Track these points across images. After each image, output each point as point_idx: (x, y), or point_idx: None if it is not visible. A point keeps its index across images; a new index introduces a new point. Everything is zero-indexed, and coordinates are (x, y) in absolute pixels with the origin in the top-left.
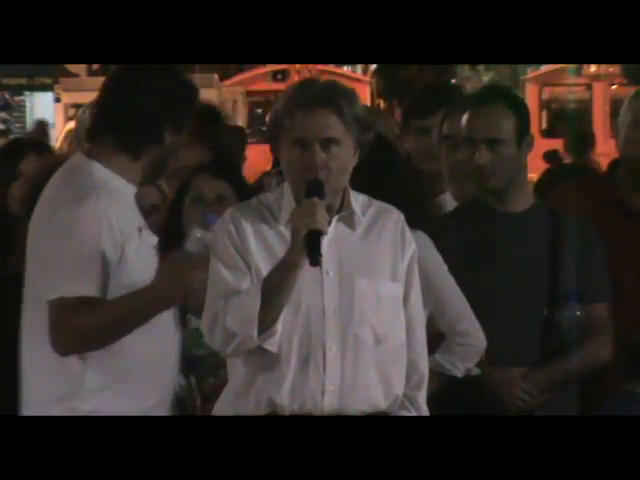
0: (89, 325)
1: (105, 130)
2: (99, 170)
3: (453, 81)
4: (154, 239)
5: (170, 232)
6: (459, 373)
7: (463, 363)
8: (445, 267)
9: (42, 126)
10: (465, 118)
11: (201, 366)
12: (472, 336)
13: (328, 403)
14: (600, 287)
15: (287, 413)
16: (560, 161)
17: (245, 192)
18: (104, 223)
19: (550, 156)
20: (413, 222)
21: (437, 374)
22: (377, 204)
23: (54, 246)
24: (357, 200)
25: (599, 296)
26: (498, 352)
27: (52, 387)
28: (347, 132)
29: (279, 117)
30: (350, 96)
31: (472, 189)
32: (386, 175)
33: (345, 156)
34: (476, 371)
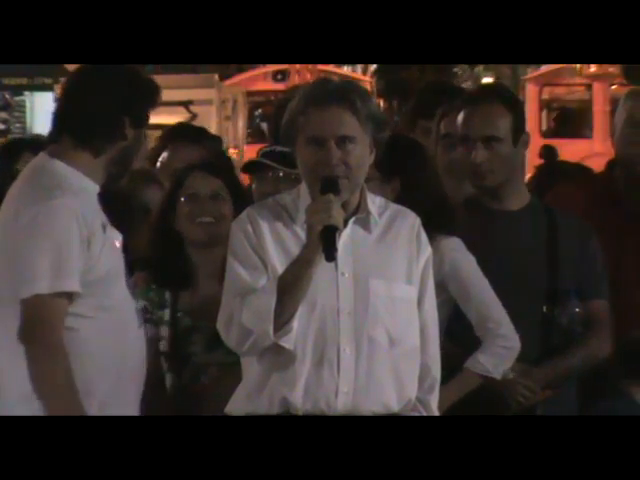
0: (60, 320)
1: (64, 129)
2: (62, 168)
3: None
4: (118, 236)
5: (164, 229)
6: (498, 375)
7: (503, 365)
8: (480, 270)
9: None
10: (461, 116)
11: (192, 365)
12: (511, 339)
13: (341, 404)
14: (598, 283)
15: (300, 413)
16: (557, 158)
17: (240, 191)
18: (72, 217)
19: (547, 153)
20: (447, 227)
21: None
22: (394, 207)
23: (22, 244)
24: (374, 202)
25: (598, 292)
26: None
27: (17, 386)
28: (362, 130)
29: (294, 115)
30: (364, 94)
31: (469, 188)
32: (420, 180)
33: (361, 153)
34: (510, 374)
